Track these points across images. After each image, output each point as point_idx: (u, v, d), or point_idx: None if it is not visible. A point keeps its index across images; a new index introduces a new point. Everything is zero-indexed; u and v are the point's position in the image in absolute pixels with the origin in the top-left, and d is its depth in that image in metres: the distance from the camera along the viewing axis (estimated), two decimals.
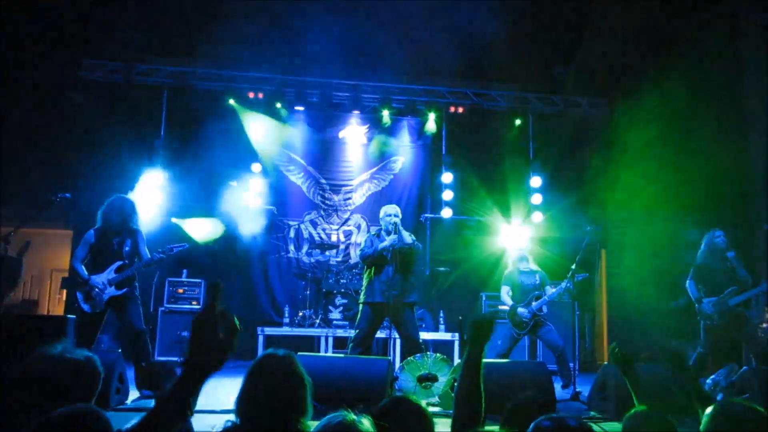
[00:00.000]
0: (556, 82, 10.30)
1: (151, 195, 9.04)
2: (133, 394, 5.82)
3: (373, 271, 6.44)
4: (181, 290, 8.98)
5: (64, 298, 10.48)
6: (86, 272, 5.93)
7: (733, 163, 8.17)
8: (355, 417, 1.93)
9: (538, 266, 7.56)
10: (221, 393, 4.38)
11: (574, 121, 10.53)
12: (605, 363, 6.67)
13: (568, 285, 6.91)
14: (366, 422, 1.93)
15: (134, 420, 1.70)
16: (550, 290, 7.19)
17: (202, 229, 9.46)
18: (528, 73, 10.03)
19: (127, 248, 6.03)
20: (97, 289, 5.87)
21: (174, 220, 9.38)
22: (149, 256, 6.05)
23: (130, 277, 6.01)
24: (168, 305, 8.86)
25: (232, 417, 2.32)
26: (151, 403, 2.48)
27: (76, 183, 8.72)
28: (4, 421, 2.16)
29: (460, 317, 2.86)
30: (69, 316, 6.11)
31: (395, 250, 6.32)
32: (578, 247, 6.97)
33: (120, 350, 6.78)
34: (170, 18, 8.87)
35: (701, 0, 8.53)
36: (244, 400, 2.32)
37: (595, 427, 4.98)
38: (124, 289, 5.96)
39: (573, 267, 6.85)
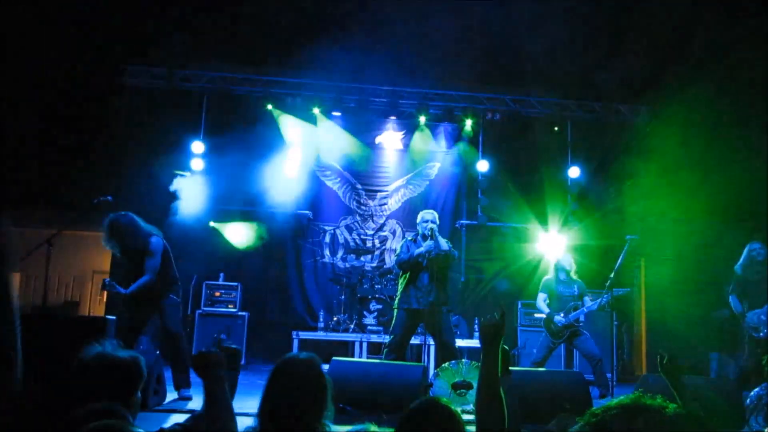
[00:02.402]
0: (594, 89, 10.17)
1: (189, 199, 9.18)
2: (171, 395, 5.90)
3: (408, 277, 6.41)
4: (217, 293, 9.07)
5: (105, 299, 10.66)
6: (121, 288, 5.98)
7: None
8: (377, 429, 1.93)
9: (577, 276, 7.47)
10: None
11: (613, 128, 10.37)
12: (645, 374, 6.56)
13: (607, 298, 6.83)
14: None
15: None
16: (589, 301, 7.11)
17: (240, 234, 9.57)
18: (566, 80, 9.93)
19: (131, 266, 5.97)
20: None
21: (213, 224, 9.50)
22: (145, 276, 5.88)
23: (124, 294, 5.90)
24: (205, 308, 8.96)
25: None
26: (188, 404, 2.51)
27: (118, 186, 8.88)
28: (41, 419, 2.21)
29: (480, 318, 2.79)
30: (110, 317, 6.21)
31: (431, 257, 6.29)
32: (617, 256, 6.87)
33: (158, 351, 6.87)
34: (210, 23, 9.00)
35: (742, 8, 8.36)
36: (267, 399, 2.38)
37: None
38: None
39: (611, 276, 6.77)
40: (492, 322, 2.53)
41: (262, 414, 2.36)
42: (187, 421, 2.46)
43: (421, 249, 6.33)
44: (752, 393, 6.21)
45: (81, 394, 2.28)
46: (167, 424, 2.47)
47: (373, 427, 1.93)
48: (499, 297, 9.73)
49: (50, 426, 2.10)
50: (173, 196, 8.96)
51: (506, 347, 2.59)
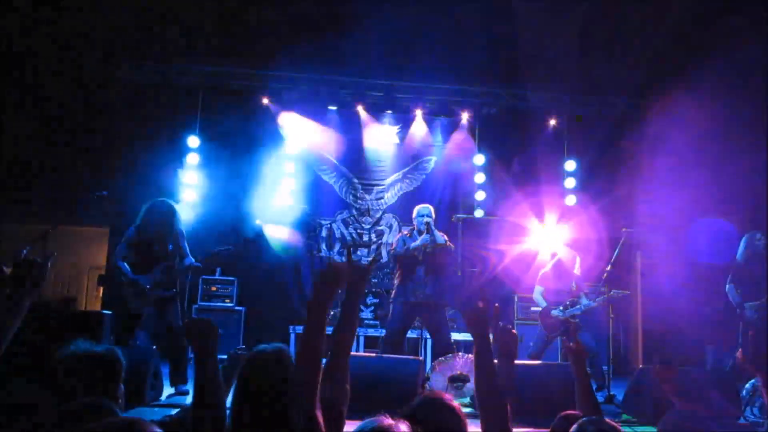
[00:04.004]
0: (591, 83, 10.15)
1: (185, 194, 9.19)
2: (167, 390, 5.90)
3: (404, 271, 6.42)
4: (214, 288, 9.06)
5: (101, 294, 10.64)
6: (131, 271, 5.98)
7: None
8: (392, 421, 1.90)
9: (573, 269, 7.48)
10: None
11: (610, 121, 10.36)
12: (641, 366, 6.59)
13: (604, 298, 6.85)
14: (403, 427, 1.88)
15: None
16: (586, 299, 7.12)
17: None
18: (563, 73, 9.91)
19: (170, 248, 6.05)
20: (145, 289, 5.92)
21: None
22: (190, 258, 6.10)
23: (175, 278, 6.06)
24: (202, 303, 8.95)
25: None
26: (185, 399, 2.51)
27: (113, 181, 8.85)
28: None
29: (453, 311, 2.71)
30: (105, 312, 6.21)
31: (427, 251, 6.30)
32: (613, 249, 6.89)
33: (155, 347, 6.87)
34: (206, 18, 8.97)
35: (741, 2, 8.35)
36: (239, 394, 2.28)
37: (628, 429, 4.93)
38: (172, 290, 6.01)
39: (608, 269, 6.78)
40: (476, 311, 2.53)
41: (235, 408, 2.32)
42: (177, 414, 2.45)
43: (417, 243, 6.35)
44: (747, 385, 6.27)
45: (63, 391, 2.29)
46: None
47: (388, 420, 1.90)
48: (496, 291, 9.74)
49: (39, 422, 2.10)
50: (169, 191, 8.94)
51: (514, 331, 2.55)
